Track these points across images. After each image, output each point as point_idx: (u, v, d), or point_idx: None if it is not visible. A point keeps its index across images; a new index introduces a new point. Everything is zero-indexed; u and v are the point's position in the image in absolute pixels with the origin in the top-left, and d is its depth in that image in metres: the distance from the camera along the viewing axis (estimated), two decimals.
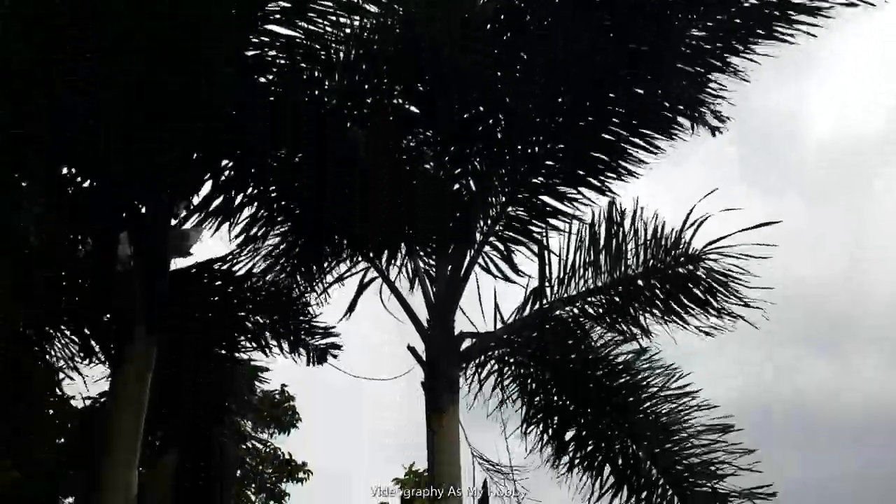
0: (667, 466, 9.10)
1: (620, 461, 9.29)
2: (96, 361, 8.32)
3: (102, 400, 8.71)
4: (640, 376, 9.15)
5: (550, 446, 9.54)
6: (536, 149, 8.83)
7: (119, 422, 6.92)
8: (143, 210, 7.51)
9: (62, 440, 9.11)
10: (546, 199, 9.11)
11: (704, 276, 8.83)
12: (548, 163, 8.96)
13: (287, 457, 14.30)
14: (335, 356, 9.15)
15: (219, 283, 8.40)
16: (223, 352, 9.44)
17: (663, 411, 9.09)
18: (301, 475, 14.37)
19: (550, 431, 9.55)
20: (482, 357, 9.59)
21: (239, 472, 11.64)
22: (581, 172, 8.98)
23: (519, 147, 8.81)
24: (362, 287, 9.09)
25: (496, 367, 9.71)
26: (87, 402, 8.96)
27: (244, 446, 12.50)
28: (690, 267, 8.86)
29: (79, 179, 7.32)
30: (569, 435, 9.56)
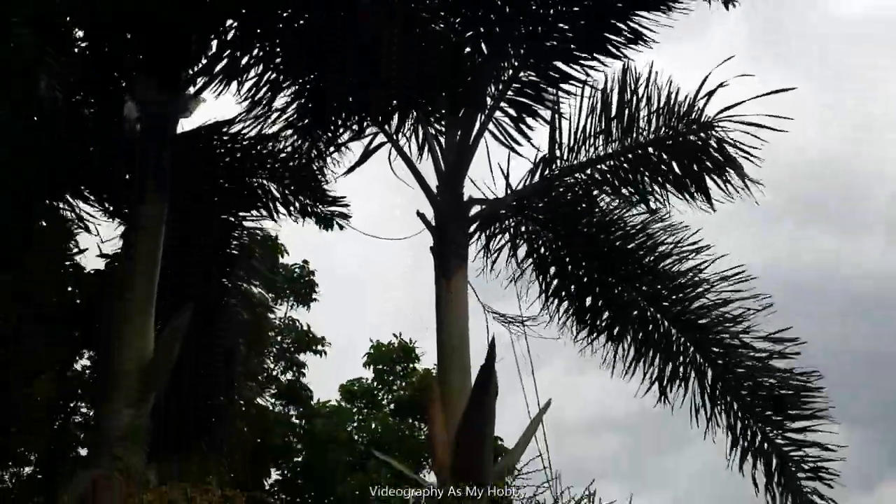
0: (689, 326, 9.21)
1: (640, 326, 9.39)
2: (109, 220, 8.39)
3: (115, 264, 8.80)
4: (654, 237, 9.19)
5: (569, 318, 9.67)
6: (551, 11, 8.60)
7: (133, 280, 7.01)
8: (150, 71, 7.40)
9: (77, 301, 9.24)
10: (559, 64, 8.92)
11: (715, 146, 8.77)
12: (561, 26, 8.74)
13: (306, 327, 14.62)
14: (342, 227, 9.16)
15: (227, 146, 8.34)
16: (232, 219, 9.51)
17: (682, 269, 9.13)
18: (319, 347, 14.73)
19: (568, 301, 9.68)
20: (492, 227, 9.65)
21: (259, 340, 11.86)
22: (595, 37, 8.76)
23: (533, 9, 8.59)
24: (369, 152, 9.01)
25: (507, 236, 9.77)
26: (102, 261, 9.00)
27: (267, 315, 12.71)
28: (702, 135, 8.78)
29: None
30: (587, 303, 9.66)
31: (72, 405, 9.93)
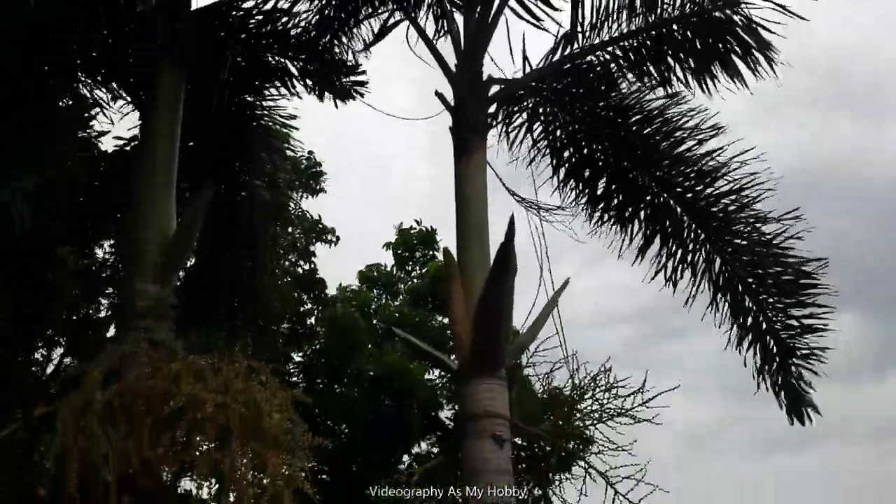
0: (700, 212, 9.13)
1: (651, 212, 9.34)
2: (124, 102, 8.34)
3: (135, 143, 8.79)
4: (672, 122, 9.01)
5: (581, 199, 9.66)
6: None
7: (154, 158, 7.01)
8: None
9: (96, 183, 9.26)
10: None
11: (742, 24, 8.54)
12: None
13: (316, 218, 14.65)
14: (361, 95, 9.00)
15: (242, 21, 8.16)
16: (250, 98, 9.43)
17: (697, 154, 8.98)
18: (329, 237, 14.79)
19: (581, 184, 9.64)
20: (510, 108, 9.54)
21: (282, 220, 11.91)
22: None
23: None
24: (386, 28, 8.82)
25: (525, 116, 9.66)
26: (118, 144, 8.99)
27: (289, 194, 12.73)
28: (728, 12, 8.54)
29: None
30: (599, 188, 9.65)
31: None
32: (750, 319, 9.14)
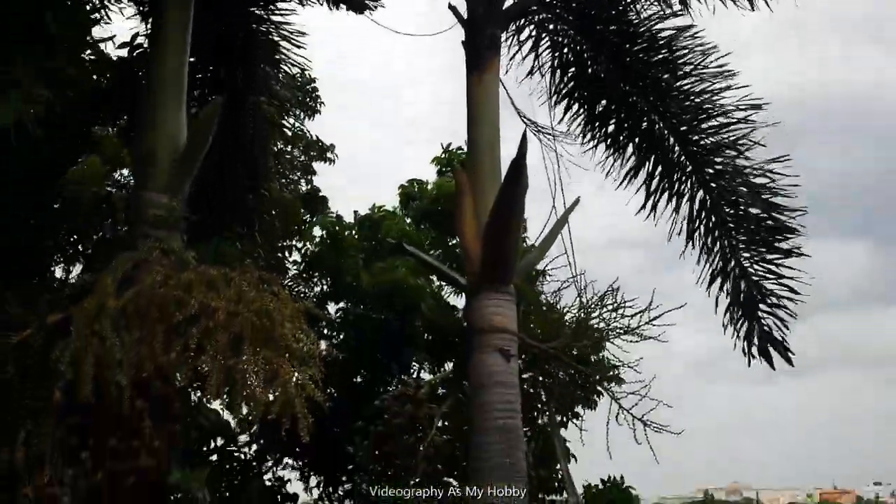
0: (693, 147, 9.20)
1: (644, 139, 9.41)
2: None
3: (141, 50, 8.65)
4: (679, 54, 8.96)
5: (580, 119, 9.69)
6: None
7: (164, 65, 6.92)
8: None
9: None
10: None
11: None
12: None
13: (315, 138, 14.52)
14: (373, 8, 8.86)
15: None
16: (259, 10, 9.27)
17: (697, 90, 8.99)
18: (329, 156, 14.69)
19: (581, 104, 9.63)
20: (520, 22, 9.45)
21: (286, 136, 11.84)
22: None
23: None
24: None
25: (534, 33, 9.61)
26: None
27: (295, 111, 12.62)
28: None
29: None
30: (598, 109, 9.64)
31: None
32: (722, 260, 9.22)
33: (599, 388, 9.40)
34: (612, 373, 9.28)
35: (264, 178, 9.78)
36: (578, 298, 9.19)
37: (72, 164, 9.20)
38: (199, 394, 6.40)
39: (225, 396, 5.90)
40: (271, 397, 5.86)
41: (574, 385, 9.54)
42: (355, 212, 14.97)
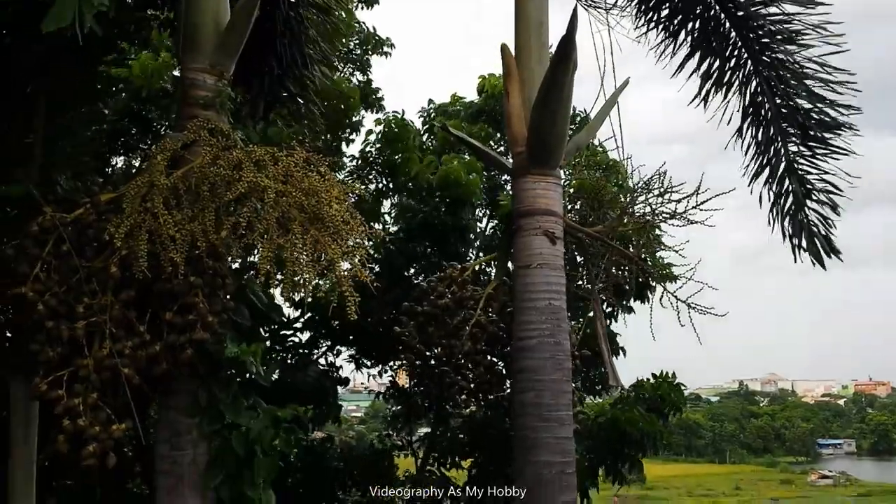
0: (749, 31, 8.93)
1: (700, 24, 9.20)
2: None
3: None
4: None
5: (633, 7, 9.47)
6: None
7: None
8: None
9: None
10: None
11: None
12: None
13: (371, 30, 14.27)
14: None
15: None
16: None
17: None
18: (385, 49, 14.47)
19: None
20: None
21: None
22: None
23: None
24: None
25: None
26: None
27: None
28: None
29: None
30: None
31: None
32: (770, 154, 9.06)
33: (652, 281, 9.46)
34: (665, 271, 9.30)
35: (313, 65, 9.62)
36: (625, 181, 9.11)
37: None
38: (251, 273, 6.49)
39: (276, 281, 6.00)
40: (320, 277, 5.95)
41: (621, 273, 9.57)
42: (429, 99, 14.90)
